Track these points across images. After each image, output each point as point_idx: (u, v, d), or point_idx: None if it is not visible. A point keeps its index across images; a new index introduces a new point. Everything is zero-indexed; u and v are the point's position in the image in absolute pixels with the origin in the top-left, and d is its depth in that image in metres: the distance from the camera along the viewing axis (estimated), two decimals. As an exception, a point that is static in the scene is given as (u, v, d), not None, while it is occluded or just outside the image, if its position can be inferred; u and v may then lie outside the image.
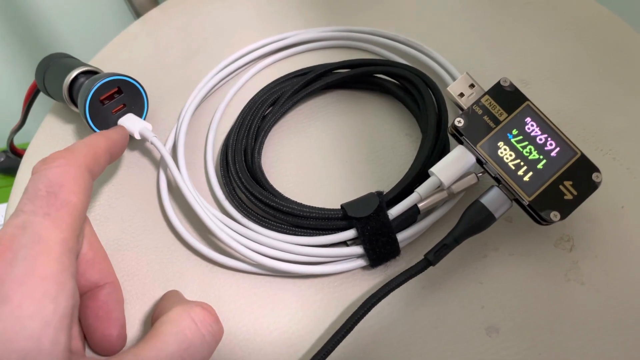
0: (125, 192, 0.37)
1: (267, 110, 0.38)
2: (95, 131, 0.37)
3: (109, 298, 0.28)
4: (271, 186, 0.33)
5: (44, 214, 0.23)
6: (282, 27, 0.46)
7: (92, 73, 0.39)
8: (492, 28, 0.43)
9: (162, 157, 0.36)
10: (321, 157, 0.37)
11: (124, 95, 0.37)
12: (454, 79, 0.38)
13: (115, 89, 0.37)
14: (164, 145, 0.37)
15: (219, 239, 0.31)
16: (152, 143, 0.35)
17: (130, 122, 0.37)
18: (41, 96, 0.43)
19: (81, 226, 0.25)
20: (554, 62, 0.40)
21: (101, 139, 0.30)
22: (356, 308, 0.28)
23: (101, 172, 0.29)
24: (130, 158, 0.39)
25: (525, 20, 0.43)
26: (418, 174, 0.32)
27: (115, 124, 0.37)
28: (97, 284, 0.28)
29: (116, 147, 0.31)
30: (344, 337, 0.27)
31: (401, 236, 0.30)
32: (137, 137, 0.36)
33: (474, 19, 0.44)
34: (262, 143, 0.36)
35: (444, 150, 0.33)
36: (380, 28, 0.43)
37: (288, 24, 0.46)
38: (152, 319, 0.27)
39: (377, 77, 0.39)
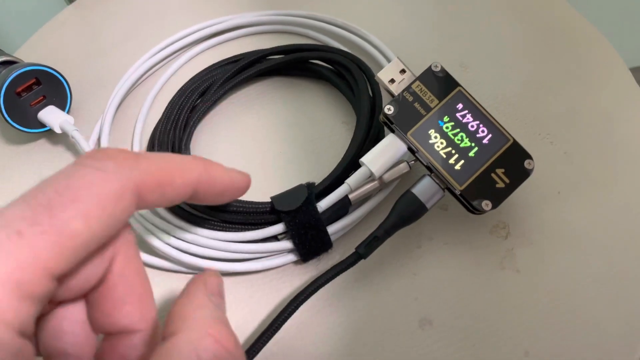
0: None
1: (197, 100, 0.36)
2: (13, 126, 0.34)
3: (131, 351, 0.20)
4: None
5: (16, 232, 0.16)
6: (218, 11, 0.44)
7: (10, 63, 0.37)
8: (432, 11, 0.42)
9: (84, 152, 0.34)
10: (255, 147, 0.36)
11: (43, 87, 0.35)
12: (391, 63, 0.36)
13: (33, 80, 0.35)
14: (89, 139, 0.35)
15: (141, 237, 0.30)
16: (72, 137, 0.33)
17: (50, 115, 0.35)
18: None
19: (80, 260, 0.17)
20: (494, 45, 0.39)
21: (195, 166, 0.21)
22: (287, 303, 0.27)
23: (158, 204, 0.20)
24: (53, 153, 0.37)
25: (465, 3, 0.42)
26: (350, 163, 0.31)
27: (34, 117, 0.35)
28: (124, 329, 0.20)
29: (213, 188, 0.22)
30: (270, 337, 0.26)
31: (332, 228, 0.29)
32: (58, 130, 0.34)
33: (413, 2, 0.43)
34: (190, 135, 0.34)
35: (378, 138, 0.32)
36: (317, 12, 0.41)
37: (223, 8, 0.44)
38: (165, 322, 0.19)
39: (312, 63, 0.38)
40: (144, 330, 0.20)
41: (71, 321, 0.19)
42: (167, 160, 0.20)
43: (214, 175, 0.22)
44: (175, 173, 0.20)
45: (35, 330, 0.19)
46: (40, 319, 0.19)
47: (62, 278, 0.17)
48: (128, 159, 0.19)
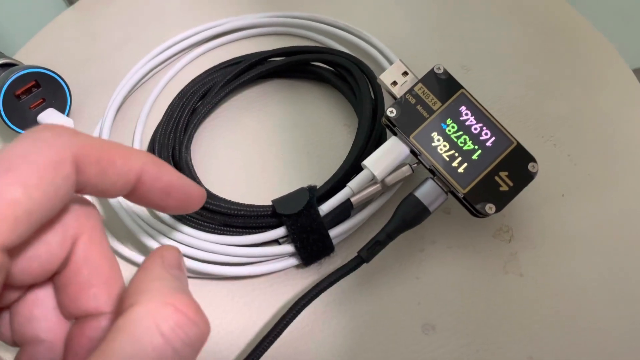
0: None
1: (197, 102, 0.36)
2: (12, 129, 0.34)
3: (99, 334, 0.20)
4: (200, 183, 0.31)
5: None
6: (218, 13, 0.44)
7: (9, 65, 0.37)
8: (433, 13, 0.42)
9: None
10: (255, 150, 0.35)
11: (43, 89, 0.35)
12: (393, 66, 0.36)
13: (33, 83, 0.34)
14: (88, 141, 0.34)
15: (141, 242, 0.29)
16: (72, 140, 0.33)
17: (49, 117, 0.34)
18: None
19: (26, 232, 0.17)
20: (495, 47, 0.39)
21: (142, 155, 0.20)
22: (289, 308, 0.26)
23: (99, 183, 0.19)
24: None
25: (467, 5, 0.42)
26: (352, 166, 0.31)
27: (33, 120, 0.35)
28: (91, 312, 0.20)
29: (159, 182, 0.20)
30: (271, 343, 0.26)
31: (334, 232, 0.29)
32: (57, 133, 0.34)
33: (414, 4, 0.43)
34: (191, 137, 0.34)
35: (380, 141, 0.32)
36: (318, 14, 0.41)
37: (224, 10, 0.44)
38: (122, 298, 0.19)
39: (314, 65, 0.37)
40: (112, 313, 0.20)
41: (42, 307, 0.19)
42: (112, 142, 0.20)
43: (161, 169, 0.21)
44: (118, 154, 0.19)
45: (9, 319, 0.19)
46: (11, 306, 0.19)
47: (13, 251, 0.17)
48: (67, 130, 0.18)
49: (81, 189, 0.18)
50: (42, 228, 0.18)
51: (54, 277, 0.19)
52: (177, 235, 0.30)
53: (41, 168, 0.16)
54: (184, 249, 0.29)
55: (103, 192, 0.19)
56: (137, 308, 0.17)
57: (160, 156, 0.32)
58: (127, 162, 0.19)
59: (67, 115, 0.36)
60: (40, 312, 0.19)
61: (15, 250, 0.17)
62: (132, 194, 0.20)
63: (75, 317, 0.20)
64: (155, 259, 0.19)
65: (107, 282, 0.20)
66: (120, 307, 0.18)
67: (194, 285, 0.30)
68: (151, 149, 0.34)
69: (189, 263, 0.29)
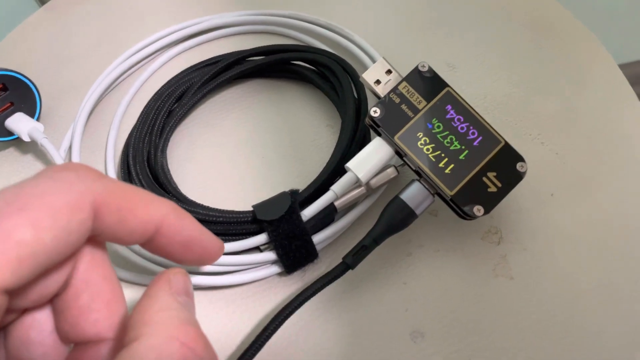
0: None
1: (174, 104, 0.34)
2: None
3: None
4: (175, 189, 0.30)
5: None
6: (196, 12, 0.43)
7: (-25, 68, 0.35)
8: (418, 10, 0.41)
9: (53, 161, 0.33)
10: (235, 153, 0.34)
11: (11, 93, 0.33)
12: (376, 64, 0.35)
13: (0, 86, 0.33)
14: (59, 147, 0.33)
15: (115, 251, 0.28)
16: (41, 145, 0.31)
17: (18, 122, 0.33)
18: None
19: (30, 275, 0.15)
20: (482, 44, 0.38)
21: (164, 204, 0.19)
22: (271, 319, 0.25)
23: (116, 232, 0.18)
24: (22, 163, 0.35)
25: (453, 2, 0.41)
26: (335, 169, 0.29)
27: (1, 125, 0.33)
28: (91, 338, 0.18)
29: (179, 235, 0.19)
30: (253, 355, 0.24)
31: (318, 238, 0.28)
32: (26, 139, 0.32)
33: (399, 1, 0.42)
34: (167, 141, 0.33)
35: (364, 142, 0.31)
36: (299, 11, 0.40)
37: (202, 9, 0.43)
38: (126, 328, 0.17)
39: (295, 64, 0.36)
40: (113, 339, 0.18)
41: (39, 331, 0.18)
42: (134, 188, 0.19)
43: (183, 222, 0.19)
44: (140, 202, 0.18)
45: (3, 341, 0.18)
46: (7, 328, 0.18)
47: (14, 292, 0.16)
48: (90, 173, 0.17)
49: (96, 235, 0.17)
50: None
51: (53, 299, 0.18)
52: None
53: (56, 210, 0.15)
54: (158, 259, 0.28)
55: (119, 240, 0.18)
56: (142, 341, 0.16)
57: (135, 160, 0.31)
58: (147, 212, 0.18)
59: (37, 119, 0.35)
60: (37, 335, 0.18)
61: (17, 291, 0.16)
62: (149, 244, 0.19)
63: (74, 343, 0.19)
64: (162, 285, 0.18)
65: (109, 306, 0.19)
66: (124, 337, 0.17)
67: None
68: (125, 153, 0.32)
69: (156, 269, 0.27)
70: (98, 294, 0.18)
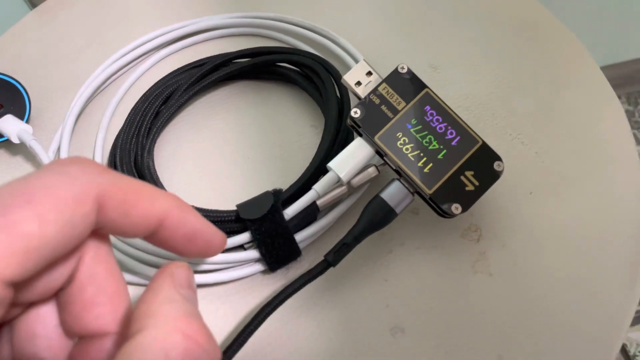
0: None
1: (161, 105, 0.35)
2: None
3: (103, 355, 0.18)
4: (161, 188, 0.31)
5: None
6: (183, 15, 0.43)
7: (-35, 71, 0.36)
8: (401, 12, 0.42)
9: (43, 163, 0.33)
10: (221, 153, 0.35)
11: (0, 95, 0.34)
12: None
13: (-11, 89, 0.33)
14: (48, 148, 0.33)
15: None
16: (30, 147, 0.32)
17: (7, 124, 0.33)
18: None
19: (35, 267, 0.16)
20: (463, 45, 0.39)
21: (168, 197, 0.20)
22: (253, 316, 0.26)
23: (119, 225, 0.18)
24: (12, 164, 0.36)
25: (435, 3, 0.42)
26: (318, 168, 0.30)
27: (-10, 127, 0.34)
28: (95, 332, 0.19)
29: (183, 227, 0.20)
30: (236, 351, 0.25)
31: (301, 236, 0.29)
32: (15, 140, 0.33)
33: (382, 3, 0.43)
34: (154, 142, 0.33)
35: (346, 142, 0.32)
36: (285, 14, 0.40)
37: (189, 12, 0.43)
38: (130, 321, 0.17)
39: (280, 66, 0.37)
40: (117, 333, 0.19)
41: (44, 325, 0.18)
42: (138, 182, 0.19)
43: (187, 215, 0.20)
44: (144, 196, 0.19)
45: (9, 335, 0.18)
46: (12, 322, 0.18)
47: (19, 285, 0.16)
48: (95, 167, 0.18)
49: (100, 227, 0.18)
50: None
51: (57, 293, 0.18)
52: (137, 242, 0.29)
53: (61, 203, 0.16)
54: (145, 256, 0.28)
55: (122, 233, 0.19)
56: (145, 334, 0.16)
57: (122, 161, 0.31)
58: (151, 205, 0.19)
59: (27, 121, 0.35)
60: (42, 329, 0.18)
61: (21, 284, 0.16)
62: (153, 237, 0.19)
63: (78, 336, 0.19)
64: (165, 278, 0.18)
65: (113, 300, 0.19)
66: (127, 330, 0.17)
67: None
68: (113, 154, 0.33)
69: (149, 271, 0.28)
70: (102, 287, 0.19)
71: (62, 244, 0.16)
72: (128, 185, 0.18)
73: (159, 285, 0.18)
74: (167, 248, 0.20)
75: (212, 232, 0.21)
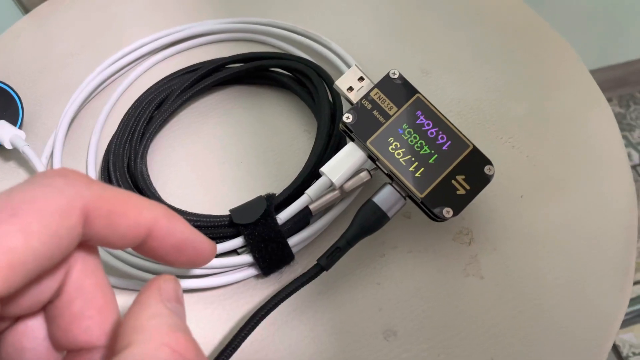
0: None
1: (154, 111, 0.35)
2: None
3: None
4: (153, 194, 0.31)
5: None
6: (177, 20, 0.43)
7: (-43, 77, 0.36)
8: (393, 17, 0.42)
9: (36, 168, 0.33)
10: (214, 158, 0.35)
11: (-8, 101, 0.34)
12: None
13: (-19, 94, 0.33)
14: (41, 154, 0.33)
15: (103, 260, 0.29)
16: (23, 153, 0.32)
17: (0, 130, 0.33)
18: None
19: (21, 282, 0.15)
20: (455, 50, 0.39)
21: (155, 207, 0.19)
22: (247, 320, 0.26)
23: (106, 236, 0.18)
24: (4, 170, 0.36)
25: (427, 8, 0.42)
26: (311, 173, 0.30)
27: (-17, 133, 0.34)
28: (84, 345, 0.18)
29: (171, 237, 0.19)
30: (229, 355, 0.25)
31: (294, 240, 0.29)
32: (8, 146, 0.33)
33: (374, 8, 0.43)
34: (147, 147, 0.33)
35: (339, 146, 0.32)
36: (278, 19, 0.41)
37: (182, 17, 0.44)
38: (117, 335, 0.17)
39: (273, 71, 0.37)
40: (105, 347, 0.18)
41: (32, 338, 0.18)
42: (124, 192, 0.19)
43: (175, 225, 0.19)
44: (131, 207, 0.18)
45: None
46: (0, 335, 0.18)
47: (6, 299, 0.16)
48: (80, 178, 0.17)
49: (87, 239, 0.18)
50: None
51: (46, 306, 0.18)
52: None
53: (46, 216, 0.16)
54: (139, 262, 0.28)
55: (110, 244, 0.18)
56: (133, 349, 0.16)
57: (115, 167, 0.32)
58: (138, 215, 0.18)
59: (19, 127, 0.35)
60: (30, 343, 0.18)
61: (7, 298, 0.16)
62: (141, 247, 0.19)
63: (66, 350, 0.19)
64: (152, 292, 0.18)
65: (101, 313, 0.19)
66: (115, 345, 0.17)
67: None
68: (106, 160, 0.33)
69: (144, 276, 0.28)
70: (91, 300, 0.18)
71: (48, 258, 0.16)
72: (114, 196, 0.18)
73: (146, 299, 0.18)
74: (156, 258, 0.20)
75: (202, 241, 0.21)
